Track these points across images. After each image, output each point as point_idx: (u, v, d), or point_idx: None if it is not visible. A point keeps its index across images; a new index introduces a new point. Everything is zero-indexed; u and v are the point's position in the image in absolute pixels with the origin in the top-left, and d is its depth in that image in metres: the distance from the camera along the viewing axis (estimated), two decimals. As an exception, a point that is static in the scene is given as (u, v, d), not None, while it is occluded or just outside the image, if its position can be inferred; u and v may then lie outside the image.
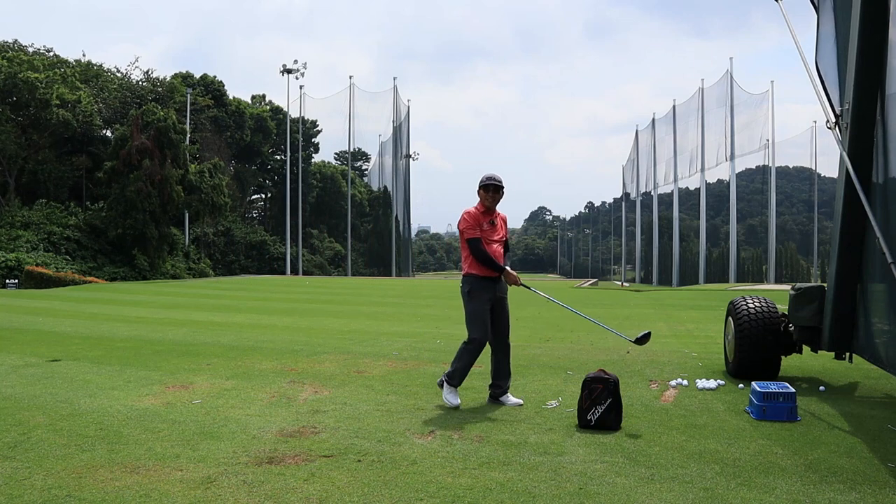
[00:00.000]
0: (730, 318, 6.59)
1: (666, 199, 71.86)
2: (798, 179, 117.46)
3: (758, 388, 4.98)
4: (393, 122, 64.49)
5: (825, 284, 5.94)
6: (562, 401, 5.44)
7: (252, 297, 20.22)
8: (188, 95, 48.16)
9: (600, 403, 4.61)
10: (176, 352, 8.13)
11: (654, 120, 71.31)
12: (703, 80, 60.86)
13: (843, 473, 3.72)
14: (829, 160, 65.68)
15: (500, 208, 5.50)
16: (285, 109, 59.08)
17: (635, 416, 4.95)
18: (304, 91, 61.90)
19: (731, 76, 58.17)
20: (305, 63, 78.06)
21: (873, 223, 4.62)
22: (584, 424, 4.62)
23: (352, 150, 68.18)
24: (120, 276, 34.61)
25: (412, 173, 72.45)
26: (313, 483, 3.50)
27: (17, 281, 28.54)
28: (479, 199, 5.38)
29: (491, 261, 5.23)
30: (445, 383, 5.32)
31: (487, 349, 5.39)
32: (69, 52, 68.44)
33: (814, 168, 73.53)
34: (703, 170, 60.55)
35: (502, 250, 5.42)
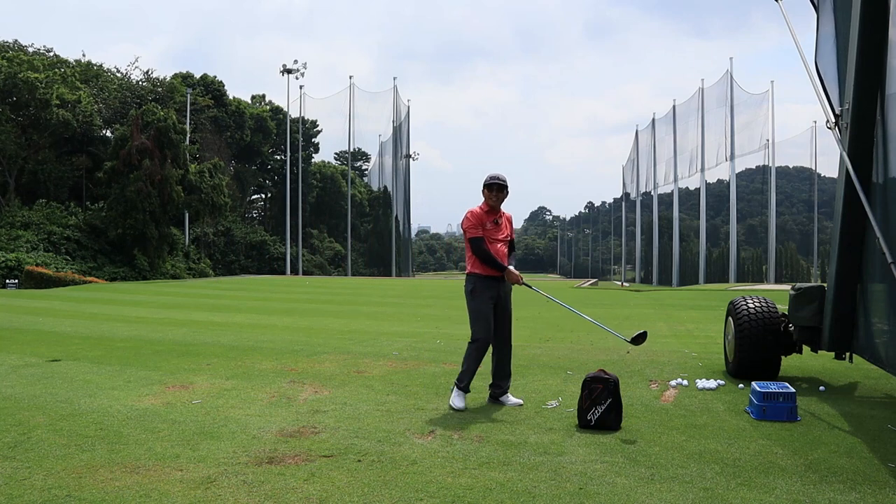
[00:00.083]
0: (730, 318, 6.59)
1: (666, 199, 71.88)
2: (798, 179, 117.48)
3: (758, 388, 4.98)
4: (393, 122, 64.54)
5: (825, 284, 5.94)
6: (562, 401, 5.44)
7: (252, 297, 20.22)
8: (188, 95, 48.16)
9: (600, 403, 4.60)
10: (176, 352, 8.13)
11: (654, 120, 71.37)
12: (703, 80, 60.99)
13: (843, 473, 3.71)
14: (829, 160, 65.76)
15: (502, 208, 5.51)
16: (285, 109, 59.14)
17: (635, 416, 4.94)
18: (304, 91, 62.04)
19: (731, 76, 58.26)
20: (305, 63, 78.22)
21: (873, 223, 4.62)
22: (584, 424, 4.62)
23: (352, 150, 68.21)
24: (120, 276, 34.62)
25: (412, 173, 72.55)
26: (313, 483, 3.50)
27: (17, 281, 28.55)
28: (483, 198, 5.40)
29: (492, 260, 5.24)
30: (455, 386, 5.32)
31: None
32: (69, 52, 68.54)
33: (814, 168, 73.66)
34: (703, 170, 60.58)
35: (506, 250, 5.43)
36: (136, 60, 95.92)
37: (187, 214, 41.97)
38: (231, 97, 57.38)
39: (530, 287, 5.82)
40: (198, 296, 20.74)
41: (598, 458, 3.94)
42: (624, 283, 60.61)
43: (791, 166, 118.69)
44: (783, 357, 6.43)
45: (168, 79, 51.48)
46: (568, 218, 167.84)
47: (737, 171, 61.81)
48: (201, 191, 37.70)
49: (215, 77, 55.44)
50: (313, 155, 68.93)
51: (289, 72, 55.52)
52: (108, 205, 35.87)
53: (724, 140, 58.74)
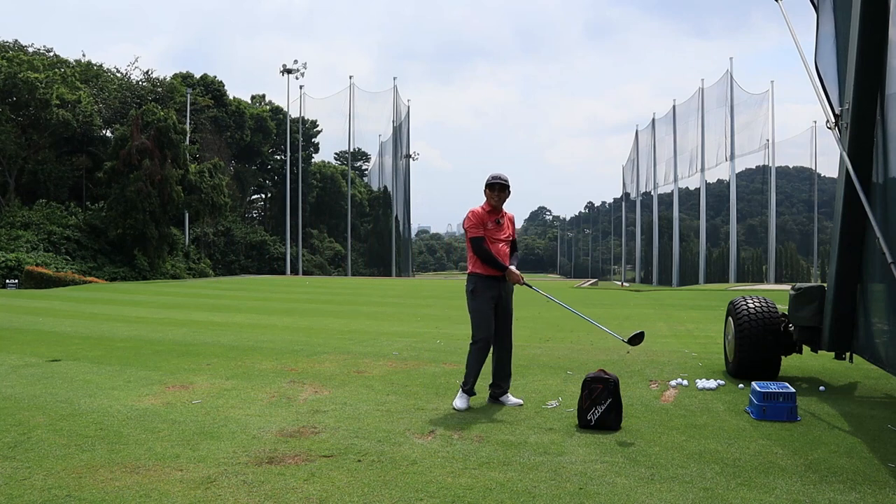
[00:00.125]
0: (730, 318, 6.59)
1: (666, 199, 71.87)
2: (798, 179, 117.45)
3: (758, 388, 4.98)
4: (393, 122, 64.54)
5: (825, 284, 5.94)
6: (562, 401, 5.44)
7: (252, 297, 20.22)
8: (188, 95, 48.14)
9: (600, 403, 4.61)
10: (176, 352, 8.13)
11: (654, 120, 71.37)
12: (703, 80, 60.99)
13: (843, 473, 3.71)
14: (829, 160, 65.74)
15: (504, 208, 5.51)
16: (285, 109, 59.13)
17: (635, 416, 4.94)
18: (304, 91, 62.00)
19: (731, 76, 58.25)
20: (305, 63, 78.22)
21: (873, 223, 4.62)
22: (584, 424, 4.62)
23: (352, 150, 68.21)
24: (120, 276, 34.62)
25: (412, 173, 72.53)
26: (313, 483, 3.50)
27: (17, 281, 28.55)
28: (485, 198, 5.40)
29: (493, 259, 5.24)
30: (460, 388, 5.31)
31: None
32: (69, 52, 68.53)
33: (814, 168, 73.63)
34: (703, 170, 60.58)
35: (508, 249, 5.42)
36: (136, 60, 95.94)
37: (187, 214, 41.97)
38: (231, 97, 57.37)
39: (531, 287, 5.82)
40: (198, 296, 20.74)
41: (598, 458, 3.94)
42: (624, 283, 60.62)
43: (791, 166, 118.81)
44: (783, 357, 6.43)
45: (168, 79, 51.46)
46: (568, 218, 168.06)
47: (737, 171, 61.91)
48: (201, 191, 37.70)
49: (215, 77, 55.47)
50: (313, 155, 68.96)
51: (289, 72, 55.53)
52: (108, 205, 35.88)
53: (724, 140, 58.80)
